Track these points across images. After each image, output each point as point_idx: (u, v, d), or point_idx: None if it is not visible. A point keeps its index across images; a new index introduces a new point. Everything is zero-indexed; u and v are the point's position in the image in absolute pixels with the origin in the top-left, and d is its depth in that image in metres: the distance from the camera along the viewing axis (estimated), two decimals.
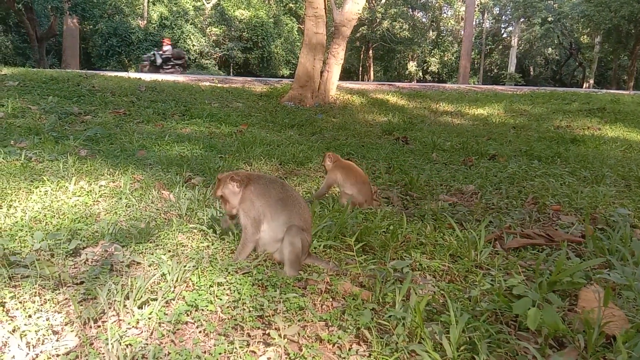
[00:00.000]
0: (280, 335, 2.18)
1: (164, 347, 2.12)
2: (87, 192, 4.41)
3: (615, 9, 33.30)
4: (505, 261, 3.23)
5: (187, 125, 8.88)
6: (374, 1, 46.26)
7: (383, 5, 46.83)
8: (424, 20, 53.03)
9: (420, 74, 52.51)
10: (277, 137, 8.28)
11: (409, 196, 4.99)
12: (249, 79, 19.45)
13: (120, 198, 4.26)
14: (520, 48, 50.62)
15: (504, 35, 55.39)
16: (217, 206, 4.01)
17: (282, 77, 33.94)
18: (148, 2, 37.44)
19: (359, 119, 11.34)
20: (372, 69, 51.71)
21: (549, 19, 44.32)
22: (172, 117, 9.55)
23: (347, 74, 47.15)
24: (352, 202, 4.29)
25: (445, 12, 55.02)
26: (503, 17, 54.96)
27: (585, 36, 48.03)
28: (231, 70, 38.77)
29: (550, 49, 48.46)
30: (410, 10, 50.35)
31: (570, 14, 42.60)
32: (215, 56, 36.85)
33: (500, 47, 54.61)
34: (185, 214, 3.92)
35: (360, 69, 52.48)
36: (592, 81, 46.38)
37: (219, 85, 15.10)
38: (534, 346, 2.12)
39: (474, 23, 45.07)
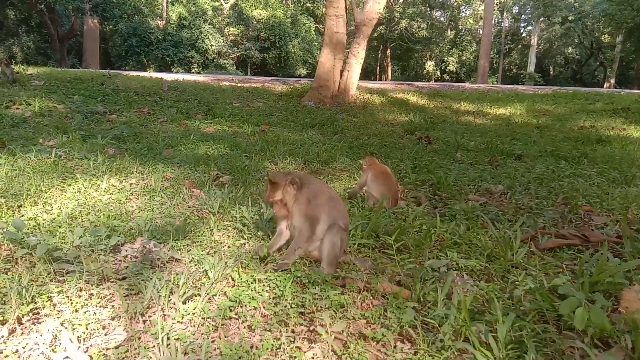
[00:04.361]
0: (327, 332, 2.19)
1: (213, 341, 2.15)
2: (119, 189, 4.47)
3: (638, 7, 32.78)
4: (542, 261, 3.20)
5: (211, 124, 8.94)
6: (392, 0, 46.10)
7: (401, 4, 46.65)
8: (442, 19, 52.72)
9: (438, 73, 52.22)
10: (299, 136, 8.30)
11: (437, 196, 4.97)
12: (268, 78, 19.54)
13: (153, 196, 4.31)
14: (540, 47, 50.03)
15: (523, 35, 54.81)
16: (248, 204, 4.04)
17: (300, 77, 33.99)
18: (167, 2, 37.79)
19: (380, 119, 11.31)
20: (390, 68, 51.56)
21: (570, 18, 43.77)
22: (195, 116, 9.62)
23: (365, 73, 46.89)
24: (374, 203, 4.36)
25: (463, 12, 54.62)
26: (522, 16, 54.43)
27: (606, 35, 47.33)
28: (249, 70, 38.97)
29: (570, 48, 47.82)
30: (429, 9, 50.11)
31: (592, 12, 42.01)
32: (233, 56, 37.07)
33: (520, 46, 54.04)
34: (218, 211, 3.96)
35: (378, 68, 52.34)
36: (613, 81, 45.70)
37: (239, 85, 15.18)
38: (581, 346, 2.11)
39: (493, 22, 44.64)
